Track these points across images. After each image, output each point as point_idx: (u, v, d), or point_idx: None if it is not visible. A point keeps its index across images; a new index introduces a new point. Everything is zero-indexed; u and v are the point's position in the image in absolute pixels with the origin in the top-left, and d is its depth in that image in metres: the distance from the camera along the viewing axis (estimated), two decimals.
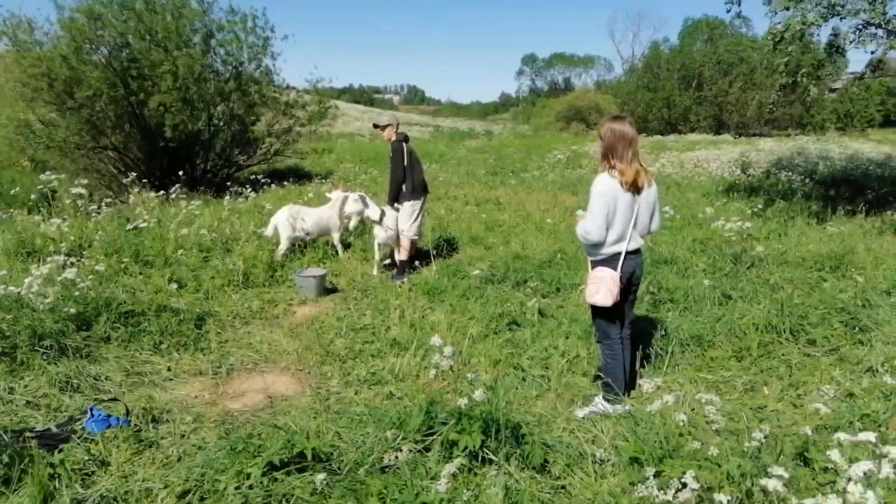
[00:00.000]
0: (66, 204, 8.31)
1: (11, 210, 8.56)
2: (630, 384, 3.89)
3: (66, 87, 11.60)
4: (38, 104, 12.11)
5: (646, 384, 3.47)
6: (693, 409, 3.52)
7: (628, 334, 3.87)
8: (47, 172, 8.39)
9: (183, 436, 3.51)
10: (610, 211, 3.47)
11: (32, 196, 8.62)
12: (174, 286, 5.93)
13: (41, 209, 8.39)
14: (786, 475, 2.28)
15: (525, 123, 54.24)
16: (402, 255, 6.94)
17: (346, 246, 7.95)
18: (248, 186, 11.45)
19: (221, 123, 14.01)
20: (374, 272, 7.07)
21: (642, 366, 4.17)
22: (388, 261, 7.28)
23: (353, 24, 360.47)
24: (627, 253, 3.59)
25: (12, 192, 9.57)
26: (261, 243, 7.32)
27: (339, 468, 2.99)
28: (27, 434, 3.28)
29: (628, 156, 3.46)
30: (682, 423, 3.07)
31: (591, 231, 3.48)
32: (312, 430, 3.35)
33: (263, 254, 6.99)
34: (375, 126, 7.14)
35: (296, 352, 4.89)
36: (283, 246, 7.24)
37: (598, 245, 3.56)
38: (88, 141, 12.34)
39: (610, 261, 3.60)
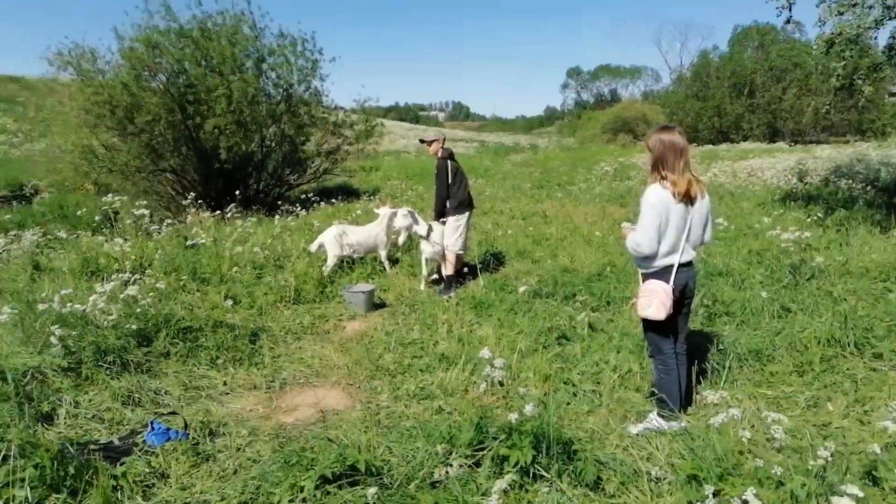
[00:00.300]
0: (128, 225, 8.68)
1: (77, 231, 8.97)
2: (686, 400, 3.78)
3: (127, 113, 12.13)
4: (100, 130, 12.68)
5: (710, 396, 3.37)
6: (753, 426, 3.41)
7: (683, 349, 3.78)
8: (110, 195, 8.79)
9: (239, 449, 3.59)
10: (662, 222, 3.41)
11: (96, 217, 9.04)
12: (229, 302, 6.10)
13: (104, 230, 8.78)
14: (860, 493, 2.18)
15: (571, 136, 53.89)
16: (448, 270, 6.97)
17: (394, 262, 8.03)
18: (298, 205, 11.72)
19: (273, 144, 14.40)
20: (422, 287, 7.12)
21: (698, 381, 4.06)
22: (435, 276, 7.32)
23: (397, 42, 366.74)
24: (680, 265, 3.52)
25: (77, 213, 10.05)
26: (311, 260, 7.48)
27: (390, 483, 3.00)
28: (92, 447, 3.42)
29: (680, 166, 3.41)
30: (744, 441, 2.97)
31: (642, 243, 3.43)
32: (363, 444, 3.37)
33: (314, 270, 7.13)
34: (422, 141, 7.21)
35: (346, 366, 4.95)
36: (331, 263, 7.37)
37: (649, 258, 3.50)
38: (148, 164, 12.87)
39: (662, 273, 3.53)
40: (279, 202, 12.73)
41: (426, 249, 7.11)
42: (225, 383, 4.58)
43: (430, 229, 7.00)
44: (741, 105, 41.85)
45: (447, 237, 6.89)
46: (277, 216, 10.12)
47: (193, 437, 3.63)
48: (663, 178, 3.45)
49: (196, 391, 4.44)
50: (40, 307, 4.77)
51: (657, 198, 3.41)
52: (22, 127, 28.47)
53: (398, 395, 4.37)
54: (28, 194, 16.15)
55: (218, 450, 3.56)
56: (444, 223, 6.90)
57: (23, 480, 2.86)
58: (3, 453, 2.91)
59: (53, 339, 4.37)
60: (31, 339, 4.58)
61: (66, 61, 12.42)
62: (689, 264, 3.62)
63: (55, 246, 8.45)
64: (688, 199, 3.43)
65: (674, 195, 3.40)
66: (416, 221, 7.08)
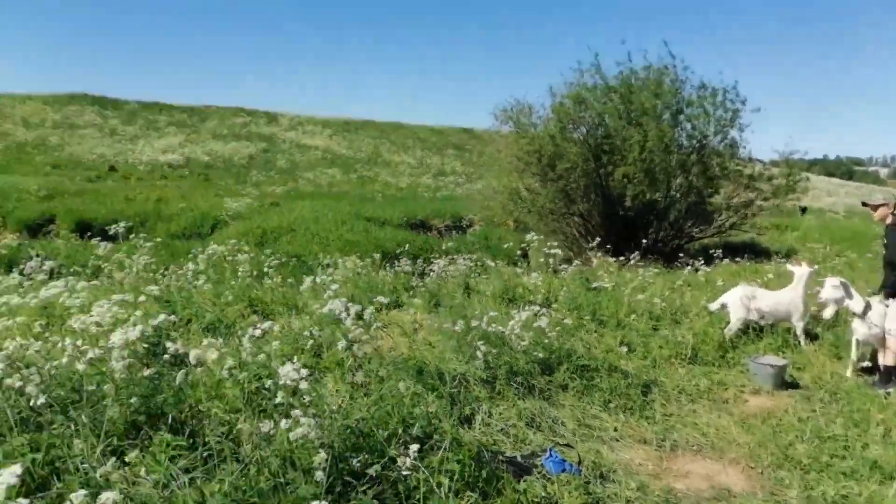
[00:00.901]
0: (539, 261, 9.62)
1: (497, 261, 10.37)
2: None
3: (550, 161, 13.62)
4: (526, 175, 14.56)
5: None
6: None
7: None
8: (531, 234, 9.89)
9: (627, 501, 3.56)
10: None
11: (518, 251, 10.29)
12: (624, 349, 6.17)
13: (520, 263, 9.93)
14: None
15: None
16: (887, 360, 5.72)
17: (812, 336, 6.96)
18: (700, 259, 11.23)
19: (678, 194, 14.24)
20: (848, 373, 5.99)
21: None
22: (866, 363, 6.08)
23: (830, 88, 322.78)
24: None
25: (504, 246, 11.64)
26: (711, 319, 7.04)
27: None
28: (500, 457, 3.83)
29: None
30: None
31: None
32: None
33: (714, 331, 6.70)
34: (865, 205, 6.22)
35: (747, 445, 4.46)
36: (734, 326, 6.80)
37: None
38: (561, 207, 14.17)
39: None
40: (679, 254, 12.43)
41: (859, 329, 5.96)
42: (616, 429, 4.62)
43: (867, 306, 5.86)
44: None
45: (891, 319, 5.66)
46: (686, 269, 9.78)
47: (585, 475, 3.74)
48: None
49: (588, 429, 4.58)
50: (472, 323, 5.60)
51: None
52: (466, 170, 34.89)
53: (811, 495, 3.74)
54: (464, 226, 19.66)
55: (607, 495, 3.60)
56: (887, 305, 5.71)
57: (448, 471, 3.36)
58: (442, 443, 3.47)
59: (479, 353, 5.07)
60: (461, 349, 5.43)
61: (508, 116, 14.73)
62: None
63: (481, 271, 9.91)
64: None
65: None
66: (849, 295, 6.02)
